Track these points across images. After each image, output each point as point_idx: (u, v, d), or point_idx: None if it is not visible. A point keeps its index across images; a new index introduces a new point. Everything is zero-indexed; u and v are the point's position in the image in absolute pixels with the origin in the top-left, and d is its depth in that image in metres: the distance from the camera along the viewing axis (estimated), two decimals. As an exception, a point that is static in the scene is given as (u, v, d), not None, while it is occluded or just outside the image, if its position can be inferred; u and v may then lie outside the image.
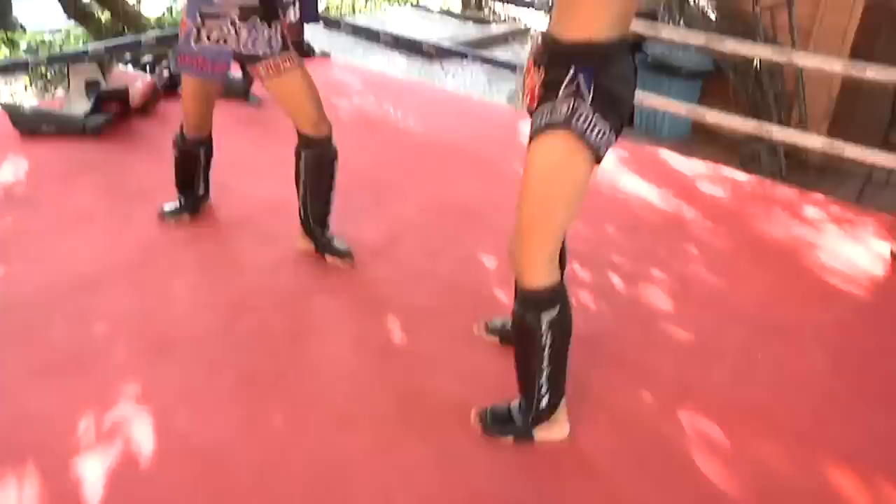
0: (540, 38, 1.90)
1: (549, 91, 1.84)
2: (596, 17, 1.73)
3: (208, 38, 2.56)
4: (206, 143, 3.06)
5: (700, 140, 5.16)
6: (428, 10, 8.24)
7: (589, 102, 1.77)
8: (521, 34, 7.69)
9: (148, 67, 4.56)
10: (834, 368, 2.60)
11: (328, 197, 2.87)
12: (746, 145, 4.91)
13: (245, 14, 2.53)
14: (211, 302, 2.69)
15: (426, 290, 2.84)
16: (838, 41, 4.94)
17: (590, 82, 1.76)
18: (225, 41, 2.56)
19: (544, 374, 2.02)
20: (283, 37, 2.62)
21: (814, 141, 3.76)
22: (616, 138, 1.84)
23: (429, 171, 3.81)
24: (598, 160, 1.84)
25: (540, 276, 1.89)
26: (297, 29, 4.39)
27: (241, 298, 2.72)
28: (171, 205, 3.16)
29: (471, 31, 7.47)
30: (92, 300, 2.62)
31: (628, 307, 2.84)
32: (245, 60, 2.61)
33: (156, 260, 2.89)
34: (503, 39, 7.47)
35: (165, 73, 4.45)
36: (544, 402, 2.07)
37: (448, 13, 8.14)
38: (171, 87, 4.40)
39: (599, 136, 1.79)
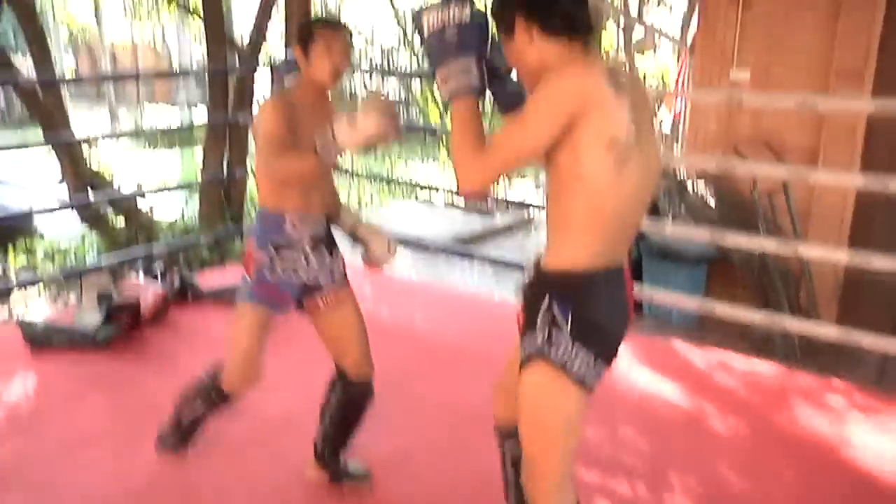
0: (532, 268, 1.90)
1: (528, 319, 1.83)
2: (577, 246, 1.74)
3: (283, 269, 2.52)
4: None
5: (711, 324, 5.14)
6: (432, 203, 8.48)
7: (567, 332, 1.74)
8: (525, 225, 7.87)
9: (159, 276, 4.63)
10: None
11: (353, 431, 2.78)
12: (758, 329, 4.88)
13: (315, 242, 2.55)
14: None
15: (444, 499, 2.72)
16: (837, 221, 5.02)
17: (566, 313, 1.74)
18: (296, 271, 2.53)
19: None
20: (343, 267, 2.65)
21: (828, 331, 3.74)
22: (607, 366, 1.80)
23: (441, 376, 3.76)
24: (587, 390, 1.78)
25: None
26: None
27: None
28: (168, 436, 2.90)
29: (475, 223, 7.65)
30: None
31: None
32: (307, 291, 2.58)
33: (165, 487, 2.79)
34: (508, 230, 7.64)
35: (176, 282, 4.51)
36: None
37: (452, 205, 8.37)
38: (181, 297, 4.46)
39: (583, 366, 1.74)
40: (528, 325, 1.82)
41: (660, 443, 3.22)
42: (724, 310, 4.00)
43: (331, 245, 2.62)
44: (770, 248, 3.99)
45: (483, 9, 1.87)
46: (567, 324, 1.73)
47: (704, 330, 4.91)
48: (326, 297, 2.59)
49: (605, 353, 1.79)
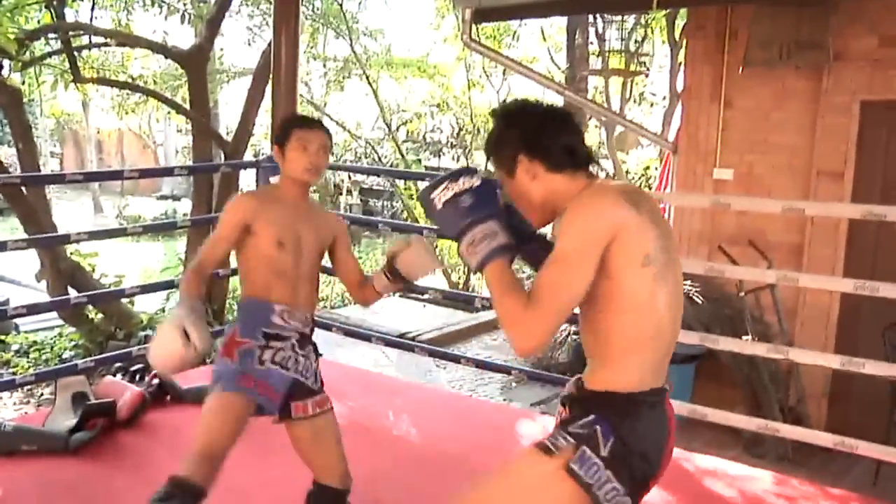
0: (573, 380, 1.84)
1: (564, 423, 1.75)
2: (620, 369, 1.69)
3: (273, 359, 2.40)
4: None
5: (699, 423, 5.05)
6: (417, 299, 8.44)
7: (604, 455, 1.64)
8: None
9: (137, 376, 4.51)
10: None
11: None
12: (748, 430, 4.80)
13: (302, 341, 2.48)
14: None
15: None
16: (824, 318, 5.03)
17: (608, 436, 1.65)
18: (287, 366, 2.43)
19: None
20: (320, 374, 2.56)
21: (823, 439, 3.67)
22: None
23: (426, 486, 3.61)
24: None
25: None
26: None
27: None
28: None
29: (460, 318, 7.61)
30: None
31: None
32: (295, 392, 2.46)
33: None
34: (493, 326, 7.59)
35: (154, 382, 4.38)
36: None
37: (435, 302, 8.32)
38: (159, 397, 4.33)
39: (610, 494, 1.64)
40: (562, 428, 1.74)
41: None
42: (714, 415, 3.93)
43: (314, 349, 2.56)
44: (757, 351, 3.96)
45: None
46: (606, 448, 1.65)
47: (693, 429, 4.82)
48: (315, 402, 2.49)
49: (635, 488, 1.69)
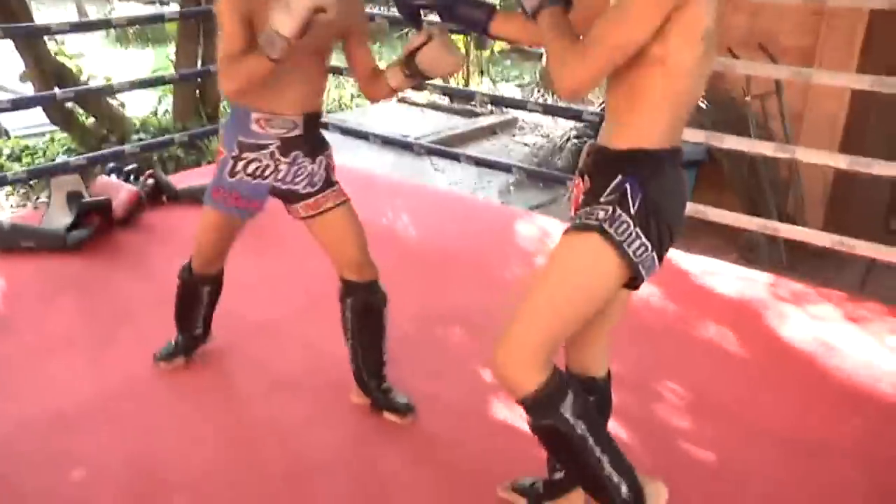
0: (587, 149, 1.82)
1: (591, 194, 1.75)
2: (649, 125, 1.68)
3: (245, 170, 2.33)
4: (214, 282, 2.70)
5: (697, 228, 5.06)
6: (415, 103, 8.25)
7: (633, 213, 1.67)
8: (508, 125, 7.69)
9: (132, 176, 4.45)
10: (870, 485, 2.43)
11: (381, 346, 2.59)
12: (745, 233, 4.82)
13: (286, 147, 2.33)
14: (201, 436, 2.51)
15: (433, 417, 2.64)
16: (830, 127, 4.92)
17: (637, 192, 1.68)
18: (263, 175, 2.35)
19: (606, 465, 1.78)
20: (327, 171, 2.43)
21: (821, 238, 3.67)
22: (659, 264, 1.73)
23: (424, 279, 3.66)
24: (634, 280, 1.73)
25: (530, 377, 1.71)
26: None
27: (234, 432, 2.54)
28: (166, 348, 2.84)
29: (459, 123, 7.47)
30: (71, 441, 2.43)
31: (641, 426, 2.66)
32: (282, 196, 2.41)
33: (141, 391, 2.72)
34: (491, 131, 7.46)
35: (150, 182, 4.34)
36: (625, 491, 1.80)
37: (434, 106, 8.15)
38: (155, 197, 4.30)
39: (640, 251, 1.68)
40: (588, 199, 1.75)
41: (645, 350, 3.16)
42: (714, 213, 3.92)
43: (313, 151, 2.39)
44: (763, 150, 3.88)
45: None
46: (635, 204, 1.67)
47: (690, 235, 4.84)
48: (307, 204, 2.39)
49: (661, 247, 1.72)
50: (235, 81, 2.14)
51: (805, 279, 3.95)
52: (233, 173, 2.34)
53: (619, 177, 1.69)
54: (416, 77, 2.26)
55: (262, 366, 2.89)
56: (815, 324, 3.45)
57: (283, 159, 2.34)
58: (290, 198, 2.40)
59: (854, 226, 4.19)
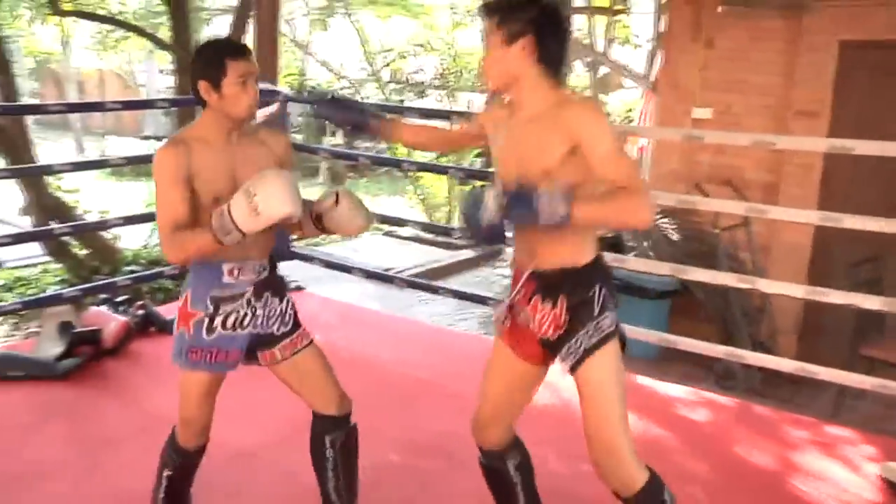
0: (528, 276, 2.13)
1: (579, 312, 2.05)
2: (591, 240, 2.11)
3: (223, 325, 2.27)
4: (203, 450, 2.52)
5: (673, 357, 5.19)
6: (398, 236, 8.51)
7: (612, 305, 2.08)
8: (491, 257, 7.92)
9: (122, 307, 4.57)
10: None
11: (356, 477, 2.55)
12: (720, 361, 4.94)
13: (259, 290, 2.31)
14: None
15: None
16: (796, 255, 5.14)
17: (609, 292, 2.09)
18: (242, 325, 2.29)
19: None
20: (294, 310, 2.41)
21: (786, 364, 3.81)
22: None
23: (404, 411, 3.73)
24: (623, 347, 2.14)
25: (638, 475, 2.04)
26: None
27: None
28: None
29: (443, 255, 7.69)
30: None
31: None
32: (258, 345, 2.35)
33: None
34: (474, 263, 7.68)
35: (140, 312, 4.46)
36: None
37: (419, 239, 8.40)
38: (144, 327, 4.41)
39: (615, 325, 2.10)
40: (578, 318, 2.06)
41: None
42: (687, 343, 4.05)
43: (279, 289, 2.39)
44: (730, 282, 4.06)
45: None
46: (613, 300, 2.08)
47: (666, 364, 4.95)
48: (284, 346, 2.36)
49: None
50: (183, 253, 2.12)
51: (779, 406, 4.04)
52: (210, 331, 2.27)
53: (597, 286, 2.06)
54: (329, 231, 2.37)
55: (238, 496, 2.92)
56: (788, 449, 3.53)
57: (257, 304, 2.32)
58: (267, 342, 2.36)
59: (825, 352, 4.32)
